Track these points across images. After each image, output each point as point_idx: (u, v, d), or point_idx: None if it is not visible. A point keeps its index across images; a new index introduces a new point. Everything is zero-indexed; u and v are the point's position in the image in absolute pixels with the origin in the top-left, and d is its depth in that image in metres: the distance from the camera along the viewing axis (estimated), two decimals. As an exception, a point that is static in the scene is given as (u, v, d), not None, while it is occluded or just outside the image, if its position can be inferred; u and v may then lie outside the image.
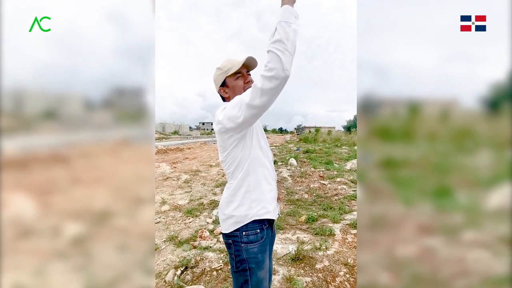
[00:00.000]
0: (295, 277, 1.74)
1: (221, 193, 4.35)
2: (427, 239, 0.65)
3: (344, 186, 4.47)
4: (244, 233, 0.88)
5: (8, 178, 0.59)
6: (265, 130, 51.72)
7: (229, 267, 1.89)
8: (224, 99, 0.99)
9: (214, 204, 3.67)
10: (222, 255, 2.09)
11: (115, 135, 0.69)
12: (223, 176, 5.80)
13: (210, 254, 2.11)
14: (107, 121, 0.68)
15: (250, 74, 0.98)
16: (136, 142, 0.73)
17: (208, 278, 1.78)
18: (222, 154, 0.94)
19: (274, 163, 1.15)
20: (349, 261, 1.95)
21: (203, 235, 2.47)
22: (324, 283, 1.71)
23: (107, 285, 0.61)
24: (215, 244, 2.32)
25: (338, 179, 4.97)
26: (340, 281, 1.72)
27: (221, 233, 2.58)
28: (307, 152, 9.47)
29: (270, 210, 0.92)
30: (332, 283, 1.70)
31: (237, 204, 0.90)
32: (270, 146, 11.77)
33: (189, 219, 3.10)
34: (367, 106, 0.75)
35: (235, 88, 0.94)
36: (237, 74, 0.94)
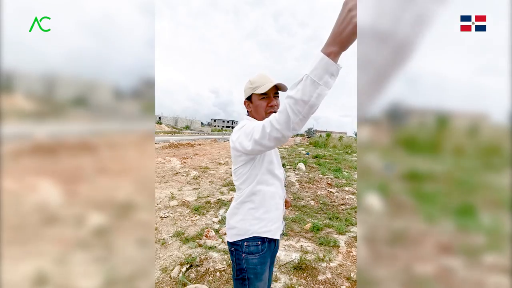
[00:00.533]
0: (296, 286, 1.76)
1: (228, 192, 4.43)
2: (446, 259, 0.64)
3: (352, 196, 4.41)
4: (245, 243, 0.91)
5: (36, 164, 0.59)
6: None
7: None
8: (247, 111, 1.02)
9: (221, 204, 3.74)
10: (226, 256, 2.14)
11: (142, 127, 0.68)
12: (231, 175, 5.87)
13: (214, 254, 2.16)
14: (135, 112, 0.67)
15: (278, 96, 0.96)
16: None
17: (211, 278, 1.84)
18: (233, 165, 0.98)
19: (282, 166, 1.18)
20: (352, 275, 1.94)
21: (208, 235, 2.54)
22: (325, 295, 1.72)
23: (127, 280, 0.62)
24: (219, 244, 2.37)
25: (346, 188, 4.91)
26: (342, 295, 1.72)
27: (225, 234, 2.64)
28: (316, 157, 9.38)
29: (271, 229, 0.94)
30: (333, 296, 1.71)
31: (240, 218, 0.93)
32: (279, 149, 11.63)
33: (196, 216, 3.18)
34: (394, 115, 0.69)
35: (258, 107, 0.95)
36: (264, 94, 0.93)
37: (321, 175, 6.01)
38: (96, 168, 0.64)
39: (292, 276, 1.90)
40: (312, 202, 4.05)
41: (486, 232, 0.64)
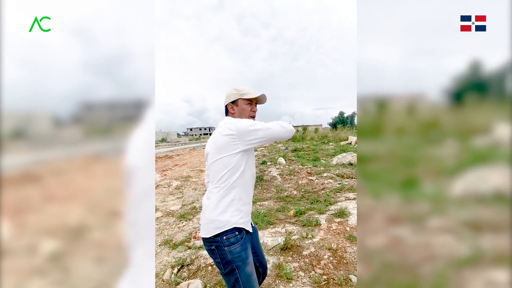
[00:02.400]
0: (283, 263, 1.89)
1: (213, 196, 4.46)
2: (395, 229, 0.71)
3: (331, 180, 4.70)
4: (225, 237, 0.96)
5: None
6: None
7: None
8: (227, 113, 1.14)
9: (207, 207, 3.77)
10: (216, 252, 2.21)
11: (86, 151, 0.69)
12: (214, 180, 5.88)
13: (204, 252, 2.22)
14: (77, 136, 0.68)
15: (256, 105, 1.17)
16: (108, 156, 0.72)
17: (203, 273, 1.90)
18: (214, 156, 1.01)
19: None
20: (333, 246, 2.13)
21: (197, 236, 2.58)
22: (310, 266, 1.88)
23: None
24: (209, 243, 2.43)
25: (325, 174, 5.20)
26: (324, 264, 1.90)
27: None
28: (295, 150, 9.71)
29: (246, 221, 1.02)
30: (317, 266, 1.88)
31: (222, 211, 0.97)
32: (260, 148, 11.77)
33: (182, 222, 3.18)
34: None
35: (243, 110, 1.11)
36: (249, 101, 1.12)
37: (300, 166, 6.28)
38: (43, 197, 0.65)
39: (279, 256, 2.04)
40: (295, 192, 4.25)
41: (429, 199, 0.71)
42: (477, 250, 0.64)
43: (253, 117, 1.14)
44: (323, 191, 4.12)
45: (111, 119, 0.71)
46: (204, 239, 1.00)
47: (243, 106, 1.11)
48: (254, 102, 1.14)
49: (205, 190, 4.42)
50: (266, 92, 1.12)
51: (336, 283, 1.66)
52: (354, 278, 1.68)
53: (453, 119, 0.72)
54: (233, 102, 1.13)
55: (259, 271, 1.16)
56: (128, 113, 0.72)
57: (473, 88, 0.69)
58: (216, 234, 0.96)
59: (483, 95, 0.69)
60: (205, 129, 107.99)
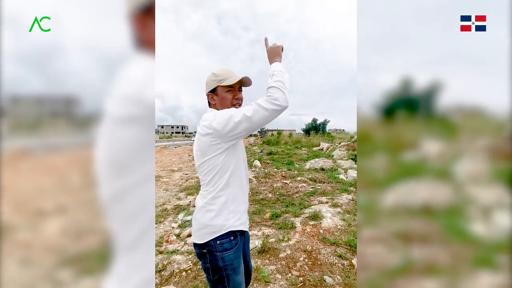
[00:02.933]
0: (261, 266, 1.90)
1: (186, 197, 4.28)
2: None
3: (304, 184, 4.87)
4: (218, 242, 0.88)
5: None
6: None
7: (198, 266, 1.94)
8: (210, 105, 1.00)
9: (179, 209, 3.60)
10: (190, 256, 2.12)
11: (12, 146, 0.65)
12: (186, 181, 5.66)
13: (178, 257, 2.11)
14: (2, 130, 0.63)
15: (241, 91, 1.00)
16: (36, 152, 0.68)
17: (177, 279, 1.80)
18: (200, 159, 0.91)
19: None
20: (307, 248, 2.20)
21: (169, 239, 2.44)
22: (286, 268, 1.91)
23: None
24: (182, 247, 2.32)
25: (299, 178, 5.37)
26: (300, 265, 1.95)
27: (189, 235, 2.58)
28: (270, 153, 9.87)
29: (244, 221, 0.95)
30: (294, 268, 1.92)
31: (215, 214, 0.89)
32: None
33: (152, 225, 2.99)
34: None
35: (224, 99, 0.95)
36: (230, 87, 0.95)
37: (275, 169, 6.40)
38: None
39: (257, 259, 2.03)
40: (270, 195, 4.31)
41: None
42: (408, 260, 0.67)
43: (237, 106, 0.97)
44: (297, 195, 4.25)
45: (39, 114, 0.67)
46: (196, 245, 0.92)
47: (223, 95, 0.95)
48: (237, 87, 0.97)
49: (177, 191, 4.22)
50: (243, 94, 0.98)
51: (311, 284, 1.71)
52: (328, 279, 1.76)
53: (384, 133, 0.75)
54: (212, 91, 0.97)
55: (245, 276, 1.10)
56: (57, 109, 0.69)
57: (404, 104, 0.73)
58: (211, 239, 0.88)
59: (413, 112, 0.74)
60: (177, 127, 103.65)
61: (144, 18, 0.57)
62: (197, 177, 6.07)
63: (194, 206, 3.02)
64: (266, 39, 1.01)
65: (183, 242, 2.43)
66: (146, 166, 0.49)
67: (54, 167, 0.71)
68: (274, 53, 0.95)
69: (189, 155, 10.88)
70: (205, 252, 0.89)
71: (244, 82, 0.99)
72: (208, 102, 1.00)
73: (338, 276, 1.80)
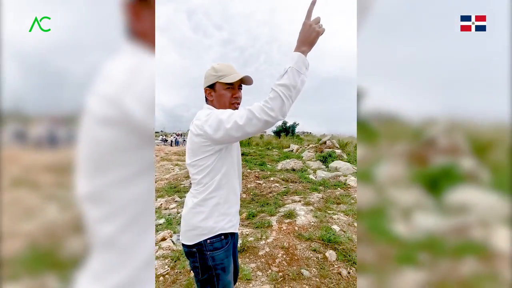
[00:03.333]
0: (242, 265, 1.92)
1: (156, 200, 4.05)
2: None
3: (277, 184, 5.03)
4: (208, 241, 0.86)
5: None
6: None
7: (176, 271, 1.88)
8: (206, 100, 0.97)
9: (150, 212, 3.41)
10: (166, 260, 2.04)
11: None
12: (155, 182, 5.36)
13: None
14: None
15: (241, 89, 0.97)
16: None
17: (156, 285, 1.72)
18: (191, 157, 0.89)
19: None
20: (285, 244, 2.30)
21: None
22: (266, 265, 1.98)
23: None
24: (157, 251, 2.21)
25: (272, 178, 5.52)
26: (279, 262, 2.04)
27: (163, 239, 2.47)
28: (243, 154, 9.89)
29: (235, 223, 0.93)
30: (273, 264, 1.99)
31: (205, 217, 0.87)
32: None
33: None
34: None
35: (222, 97, 0.92)
36: (229, 85, 0.91)
37: (249, 170, 6.46)
38: None
39: (239, 259, 2.06)
40: (244, 195, 4.34)
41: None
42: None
43: (236, 106, 0.94)
44: (271, 194, 4.37)
45: None
46: (185, 244, 0.90)
47: (222, 92, 0.91)
48: (237, 85, 0.93)
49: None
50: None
51: (290, 278, 1.80)
52: (305, 272, 1.87)
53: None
54: (210, 86, 0.93)
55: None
56: None
57: None
58: (201, 240, 0.87)
59: None
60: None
61: (138, 7, 0.53)
62: (167, 178, 5.78)
63: (163, 210, 2.90)
64: (312, 6, 0.78)
65: (157, 246, 2.32)
66: (129, 168, 0.47)
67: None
68: (305, 38, 0.77)
69: (156, 155, 10.26)
70: (195, 251, 0.87)
71: (245, 81, 0.95)
72: (205, 98, 0.97)
73: (313, 269, 1.94)
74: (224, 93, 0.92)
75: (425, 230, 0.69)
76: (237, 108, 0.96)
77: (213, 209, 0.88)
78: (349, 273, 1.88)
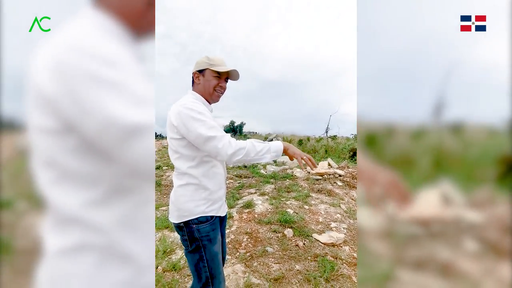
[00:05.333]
0: (211, 253, 1.99)
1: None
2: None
3: (231, 181, 5.16)
4: (194, 216, 0.93)
5: None
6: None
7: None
8: (193, 83, 1.04)
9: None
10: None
11: None
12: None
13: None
14: None
15: (227, 81, 1.05)
16: None
17: None
18: (168, 133, 0.95)
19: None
20: (248, 230, 2.48)
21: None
22: (234, 250, 2.11)
23: None
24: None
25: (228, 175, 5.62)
26: (245, 245, 2.20)
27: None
28: (191, 155, 9.54)
29: (216, 208, 0.98)
30: (240, 248, 2.14)
31: (186, 200, 0.93)
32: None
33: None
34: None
35: (207, 83, 1.00)
36: (218, 74, 0.99)
37: (201, 169, 6.35)
38: None
39: (204, 249, 2.11)
40: (200, 193, 4.29)
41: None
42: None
43: (218, 94, 1.04)
44: (227, 190, 4.47)
45: None
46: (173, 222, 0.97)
47: (210, 78, 1.00)
48: (223, 77, 1.02)
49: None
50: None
51: (258, 256, 1.99)
52: (269, 249, 2.10)
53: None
54: (200, 71, 1.01)
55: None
56: None
57: None
58: (184, 221, 0.94)
59: None
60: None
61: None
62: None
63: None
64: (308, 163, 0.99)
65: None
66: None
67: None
68: (293, 152, 0.97)
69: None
70: (182, 225, 0.94)
71: (231, 75, 1.05)
72: (192, 81, 1.04)
73: (276, 246, 2.18)
74: (212, 80, 1.00)
75: (360, 219, 0.71)
76: (219, 96, 1.06)
77: (193, 194, 0.95)
78: (304, 244, 2.21)
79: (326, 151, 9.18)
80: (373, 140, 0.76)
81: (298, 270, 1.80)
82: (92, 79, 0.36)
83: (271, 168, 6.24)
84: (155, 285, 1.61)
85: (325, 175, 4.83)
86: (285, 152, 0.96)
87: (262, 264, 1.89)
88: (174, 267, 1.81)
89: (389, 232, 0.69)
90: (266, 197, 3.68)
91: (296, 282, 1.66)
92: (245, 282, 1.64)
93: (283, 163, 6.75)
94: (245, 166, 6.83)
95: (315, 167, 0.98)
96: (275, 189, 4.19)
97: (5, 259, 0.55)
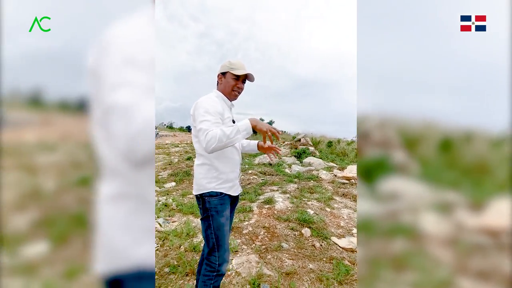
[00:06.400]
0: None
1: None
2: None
3: (255, 176, 5.26)
4: (206, 191, 1.12)
5: None
6: (171, 127, 47.34)
7: (165, 248, 1.98)
8: (217, 83, 1.22)
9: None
10: (155, 239, 2.11)
11: None
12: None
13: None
14: None
15: (244, 83, 1.22)
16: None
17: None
18: (192, 131, 1.17)
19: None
20: (266, 225, 2.54)
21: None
22: (250, 241, 2.19)
23: None
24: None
25: (250, 171, 5.74)
26: (261, 238, 2.26)
27: (160, 219, 2.52)
28: (220, 149, 9.94)
29: (226, 186, 1.14)
30: (256, 240, 2.21)
31: (201, 177, 1.14)
32: (181, 144, 11.17)
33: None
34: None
35: (227, 84, 1.17)
36: (236, 76, 1.16)
37: (227, 164, 6.58)
38: None
39: (223, 236, 2.23)
40: (224, 185, 4.48)
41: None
42: None
43: (236, 94, 1.20)
44: (249, 185, 4.58)
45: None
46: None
47: (229, 80, 1.16)
48: (241, 79, 1.18)
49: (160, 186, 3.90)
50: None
51: (272, 250, 2.04)
52: (284, 245, 2.13)
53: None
54: (223, 73, 1.18)
55: None
56: None
57: None
58: (200, 193, 1.14)
59: None
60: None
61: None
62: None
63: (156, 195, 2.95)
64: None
65: (143, 228, 2.36)
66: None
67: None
68: (260, 125, 1.03)
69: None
70: (199, 196, 1.14)
71: (248, 77, 1.21)
72: (217, 81, 1.22)
73: (291, 243, 2.20)
74: (230, 81, 1.17)
75: (360, 214, 0.74)
76: (236, 96, 1.22)
77: (206, 173, 1.14)
78: (321, 245, 2.19)
79: (356, 155, 8.70)
80: (448, 145, 0.76)
81: (311, 268, 1.80)
82: None
83: (296, 168, 6.17)
84: (177, 261, 1.78)
85: (352, 180, 4.62)
86: (254, 128, 1.03)
87: (275, 257, 1.93)
88: (194, 249, 1.97)
89: (455, 239, 0.69)
90: (288, 195, 3.68)
91: (307, 280, 1.67)
92: (257, 271, 1.70)
93: (310, 164, 6.61)
94: (270, 164, 6.87)
95: (278, 139, 1.07)
96: (298, 188, 4.16)
97: (80, 232, 0.69)
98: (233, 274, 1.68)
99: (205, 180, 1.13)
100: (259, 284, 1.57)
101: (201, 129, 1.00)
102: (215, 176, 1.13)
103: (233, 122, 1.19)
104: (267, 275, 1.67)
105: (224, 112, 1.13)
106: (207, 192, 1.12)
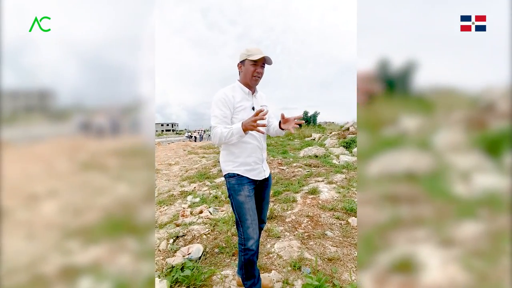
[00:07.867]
0: (271, 227, 2.19)
1: (189, 184, 4.51)
2: None
3: (300, 169, 5.19)
4: (227, 173, 1.28)
5: None
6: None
7: (216, 232, 2.21)
8: (239, 73, 1.27)
9: (186, 194, 3.83)
10: (206, 225, 2.38)
11: None
12: (186, 171, 5.86)
13: (195, 227, 2.36)
14: None
15: (263, 67, 1.23)
16: (19, 143, 0.75)
17: (199, 241, 2.06)
18: None
19: None
20: (309, 214, 2.51)
21: (185, 214, 2.68)
22: (293, 228, 2.22)
23: (24, 267, 0.67)
24: (197, 219, 2.57)
25: (294, 164, 5.70)
26: (304, 226, 2.26)
27: (201, 212, 2.84)
28: (264, 145, 10.14)
29: (242, 170, 1.24)
30: (299, 228, 2.22)
31: (223, 160, 1.30)
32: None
33: (163, 207, 3.21)
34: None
35: (247, 71, 1.21)
36: (254, 62, 1.18)
37: (272, 158, 6.69)
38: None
39: (268, 224, 2.32)
40: (269, 179, 4.59)
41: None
42: (396, 216, 0.74)
43: (256, 78, 1.22)
44: (294, 178, 4.56)
45: (14, 108, 0.69)
46: None
47: (248, 67, 1.20)
48: (259, 63, 1.19)
49: (180, 180, 4.41)
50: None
51: (315, 237, 2.02)
52: (329, 233, 2.07)
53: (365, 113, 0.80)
54: (242, 62, 1.22)
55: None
56: (31, 103, 0.70)
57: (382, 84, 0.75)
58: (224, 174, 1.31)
59: (390, 92, 0.76)
60: (167, 125, 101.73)
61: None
62: (197, 168, 6.26)
63: (197, 192, 3.32)
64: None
65: (198, 216, 2.68)
66: None
67: (39, 155, 0.77)
68: (248, 125, 1.08)
69: (184, 150, 10.97)
70: (224, 177, 1.31)
71: (266, 60, 1.22)
72: (238, 72, 1.28)
73: (337, 231, 2.12)
74: (249, 67, 1.21)
75: (485, 189, 0.70)
76: (257, 81, 1.25)
77: (225, 157, 1.29)
78: (371, 235, 2.04)
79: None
80: (428, 108, 0.75)
81: (356, 256, 1.71)
82: None
83: (345, 158, 5.79)
84: (225, 243, 1.97)
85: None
86: (246, 130, 1.09)
87: (318, 244, 1.91)
88: (240, 234, 2.13)
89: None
90: (334, 185, 3.52)
91: (352, 267, 1.60)
92: (298, 255, 1.73)
93: (360, 153, 6.10)
94: (316, 156, 6.64)
95: (265, 116, 1.08)
96: (346, 179, 3.92)
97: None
98: (275, 256, 1.75)
99: (224, 164, 1.28)
100: (300, 266, 1.60)
101: (212, 127, 1.17)
102: (231, 159, 1.26)
103: (253, 109, 1.24)
104: (308, 259, 1.68)
105: (241, 101, 1.21)
106: (227, 174, 1.26)
